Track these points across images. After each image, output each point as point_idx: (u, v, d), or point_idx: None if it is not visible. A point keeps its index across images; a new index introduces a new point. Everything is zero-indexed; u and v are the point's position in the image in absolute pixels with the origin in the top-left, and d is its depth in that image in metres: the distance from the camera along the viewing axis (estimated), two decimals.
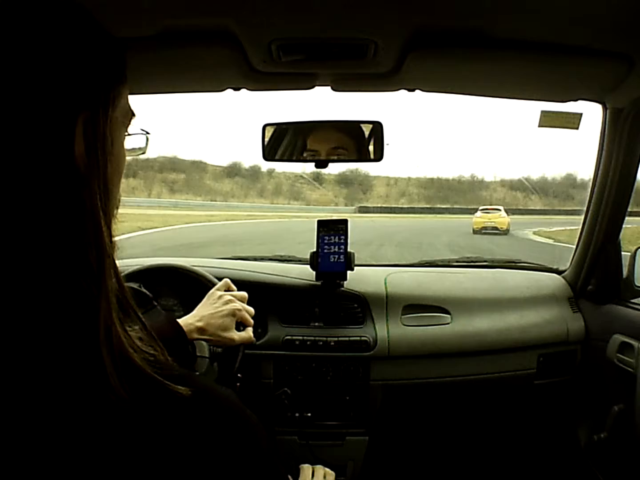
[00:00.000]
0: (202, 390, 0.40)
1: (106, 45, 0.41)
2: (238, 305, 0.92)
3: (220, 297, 0.93)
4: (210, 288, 1.17)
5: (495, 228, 14.18)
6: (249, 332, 0.93)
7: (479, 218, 14.99)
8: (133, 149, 0.51)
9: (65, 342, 0.35)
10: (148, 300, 1.14)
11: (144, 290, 1.14)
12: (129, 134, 0.46)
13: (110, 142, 0.41)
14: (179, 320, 0.87)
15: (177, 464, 0.37)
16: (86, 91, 0.39)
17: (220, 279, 1.20)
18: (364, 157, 1.23)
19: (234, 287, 0.99)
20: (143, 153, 0.55)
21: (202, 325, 0.87)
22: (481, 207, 16.90)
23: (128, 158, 0.47)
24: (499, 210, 15.75)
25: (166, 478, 0.37)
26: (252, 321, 0.94)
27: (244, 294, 0.97)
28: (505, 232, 14.15)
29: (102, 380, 0.35)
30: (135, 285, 1.14)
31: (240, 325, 0.93)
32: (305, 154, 1.24)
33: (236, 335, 0.91)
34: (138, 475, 0.36)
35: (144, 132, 0.52)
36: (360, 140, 1.22)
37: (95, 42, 0.40)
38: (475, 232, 14.20)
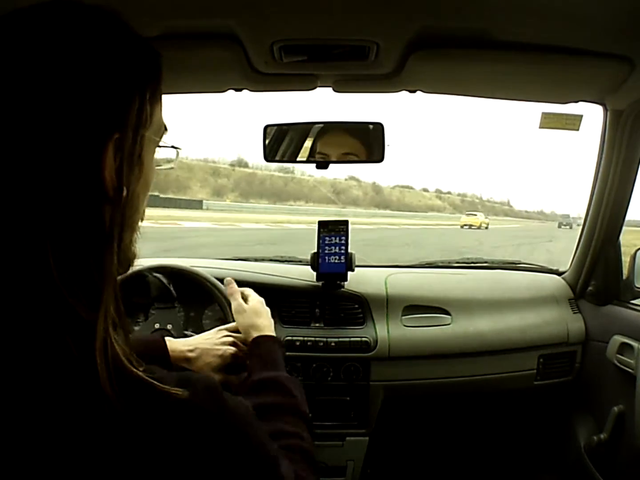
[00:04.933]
0: (181, 386, 0.40)
1: (141, 66, 0.41)
2: (237, 350, 0.86)
3: (223, 336, 0.88)
4: (209, 289, 1.17)
5: (471, 225, 24.10)
6: (238, 377, 0.85)
7: (463, 219, 25.69)
8: (162, 162, 0.50)
9: (62, 350, 0.35)
10: (170, 299, 1.16)
11: (172, 288, 1.16)
12: (159, 146, 0.46)
13: (141, 162, 0.41)
14: (172, 342, 0.84)
15: (172, 465, 0.38)
16: (116, 114, 0.38)
17: (220, 280, 1.20)
18: (365, 159, 1.23)
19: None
20: (172, 168, 0.54)
21: (192, 356, 0.83)
22: (465, 212, 29.74)
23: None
24: (475, 215, 27.04)
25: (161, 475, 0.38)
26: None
27: None
28: (478, 228, 23.62)
29: (95, 389, 0.35)
30: (165, 281, 1.15)
31: (235, 366, 0.86)
32: (316, 157, 1.23)
33: (219, 377, 0.83)
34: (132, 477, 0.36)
35: (175, 148, 0.51)
36: (363, 144, 1.22)
37: (130, 66, 0.40)
38: (461, 227, 23.82)
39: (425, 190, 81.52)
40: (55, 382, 0.35)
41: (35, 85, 0.35)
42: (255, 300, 0.89)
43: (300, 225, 18.01)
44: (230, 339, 0.87)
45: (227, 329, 0.91)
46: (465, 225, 23.82)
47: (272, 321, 0.87)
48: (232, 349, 0.85)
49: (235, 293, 0.89)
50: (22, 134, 0.35)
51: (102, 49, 0.38)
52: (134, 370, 0.38)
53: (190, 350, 0.83)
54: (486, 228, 23.77)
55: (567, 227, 30.35)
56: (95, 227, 0.38)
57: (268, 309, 0.89)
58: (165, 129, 0.46)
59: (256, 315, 0.85)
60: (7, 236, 0.35)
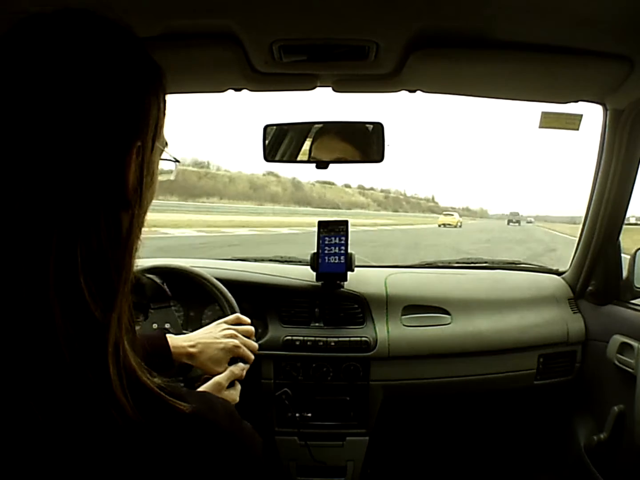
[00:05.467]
0: (201, 404, 0.41)
1: (157, 79, 0.43)
2: (238, 342, 0.85)
3: (223, 329, 0.88)
4: (211, 289, 1.18)
5: (449, 224, 25.98)
6: (238, 368, 0.84)
7: (441, 219, 27.89)
8: (162, 175, 0.52)
9: (75, 355, 0.35)
10: (166, 298, 1.15)
11: (166, 287, 1.15)
12: (162, 159, 0.48)
13: (153, 171, 0.44)
14: (173, 338, 0.84)
15: (176, 475, 0.38)
16: (140, 122, 0.41)
17: (221, 280, 1.20)
18: (365, 159, 1.23)
19: (246, 320, 0.94)
20: (170, 179, 0.56)
21: (194, 352, 0.83)
22: (443, 212, 32.72)
23: None
24: (452, 215, 29.33)
25: None
26: (252, 357, 0.87)
27: (251, 329, 0.91)
28: (455, 226, 25.64)
29: (107, 394, 0.35)
30: (158, 281, 1.15)
31: (239, 359, 0.86)
32: (310, 160, 1.23)
33: (223, 369, 0.83)
34: None
35: (175, 160, 0.53)
36: (362, 144, 1.22)
37: (151, 77, 0.42)
38: (439, 226, 25.61)
39: (348, 186, 79.33)
40: (65, 387, 0.35)
41: (69, 95, 0.36)
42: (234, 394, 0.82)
43: (186, 231, 13.07)
44: (231, 331, 0.87)
45: (226, 322, 0.91)
46: (443, 224, 26.26)
47: None
48: (233, 341, 0.85)
49: (234, 374, 0.82)
50: (55, 141, 0.36)
51: (128, 61, 0.40)
52: (147, 381, 0.38)
53: (192, 346, 0.83)
54: (460, 226, 26.16)
55: (516, 224, 33.94)
56: (116, 233, 0.39)
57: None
58: (167, 144, 0.48)
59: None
60: (36, 237, 0.35)
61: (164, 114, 0.45)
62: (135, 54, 0.41)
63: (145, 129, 0.41)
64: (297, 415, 1.30)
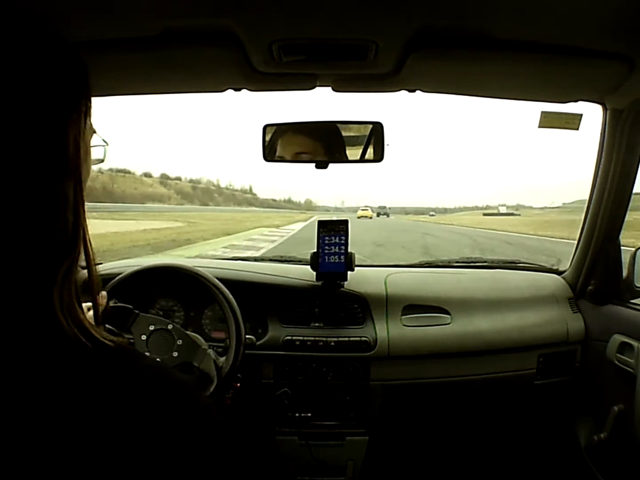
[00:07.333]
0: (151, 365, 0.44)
1: (80, 60, 0.48)
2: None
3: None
4: (211, 289, 1.18)
5: (365, 217, 32.19)
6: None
7: (360, 212, 34.99)
8: (93, 160, 0.56)
9: (27, 289, 0.40)
10: (129, 312, 1.10)
11: (121, 304, 1.10)
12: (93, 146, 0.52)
13: (86, 146, 0.48)
14: None
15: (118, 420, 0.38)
16: (74, 96, 0.46)
17: (221, 280, 1.20)
18: (364, 158, 1.23)
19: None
20: (101, 162, 0.60)
21: None
22: (360, 207, 40.87)
23: None
24: (367, 209, 37.34)
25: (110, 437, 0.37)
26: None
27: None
28: (370, 218, 32.22)
29: (51, 319, 0.39)
30: (112, 303, 1.09)
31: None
32: (276, 158, 1.25)
33: None
34: (84, 428, 0.37)
35: (104, 143, 0.57)
36: (362, 144, 1.22)
37: (76, 57, 0.47)
38: (358, 218, 30.44)
39: (148, 175, 69.96)
40: (15, 318, 0.38)
41: (13, 85, 0.41)
42: None
43: None
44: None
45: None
46: (362, 216, 32.17)
47: None
48: None
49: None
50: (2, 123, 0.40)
51: (59, 50, 0.45)
52: (92, 330, 0.42)
53: None
54: (371, 218, 32.40)
55: (385, 216, 40.49)
56: (65, 198, 0.44)
57: None
58: (94, 130, 0.52)
59: None
60: (7, 207, 0.40)
61: (90, 101, 0.49)
62: (64, 50, 0.46)
63: (78, 104, 0.46)
64: (297, 415, 1.30)
